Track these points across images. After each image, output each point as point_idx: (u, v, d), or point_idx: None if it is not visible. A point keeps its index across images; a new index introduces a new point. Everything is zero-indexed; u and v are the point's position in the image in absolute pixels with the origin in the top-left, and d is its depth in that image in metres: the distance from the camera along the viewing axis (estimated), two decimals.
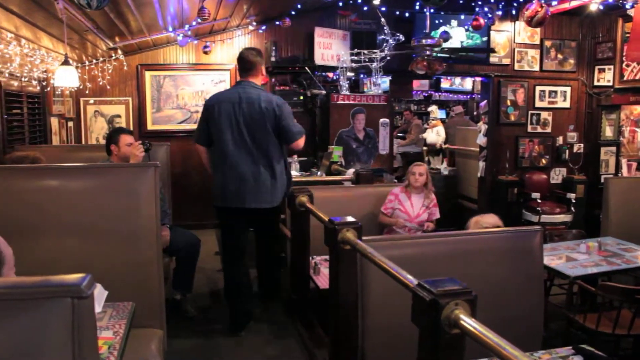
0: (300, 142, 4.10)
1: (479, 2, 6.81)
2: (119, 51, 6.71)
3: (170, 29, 6.23)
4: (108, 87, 6.97)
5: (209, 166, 4.19)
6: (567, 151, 7.82)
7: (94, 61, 6.83)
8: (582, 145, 7.85)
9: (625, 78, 7.28)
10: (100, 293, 2.38)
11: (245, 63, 4.06)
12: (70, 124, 6.67)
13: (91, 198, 2.78)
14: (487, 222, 3.37)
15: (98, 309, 2.34)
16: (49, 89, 5.55)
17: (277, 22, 7.02)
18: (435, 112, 8.53)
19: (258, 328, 4.29)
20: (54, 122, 5.85)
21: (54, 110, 5.84)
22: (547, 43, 7.73)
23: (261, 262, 4.52)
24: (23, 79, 4.84)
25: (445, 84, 13.12)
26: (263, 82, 5.62)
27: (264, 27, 7.27)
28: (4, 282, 1.36)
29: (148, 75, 7.16)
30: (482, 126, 7.68)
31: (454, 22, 7.36)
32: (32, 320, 1.05)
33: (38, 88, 5.30)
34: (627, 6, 6.34)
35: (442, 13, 7.23)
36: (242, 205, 4.00)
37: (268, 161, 4.00)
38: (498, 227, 3.31)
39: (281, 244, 4.90)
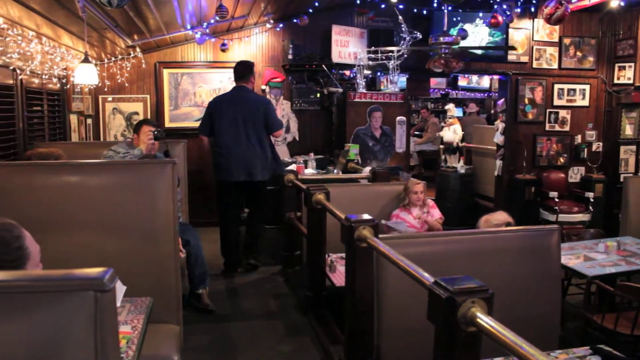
0: (280, 132, 5.50)
1: (498, 0, 6.75)
2: (138, 49, 6.77)
3: (189, 26, 6.28)
4: (126, 85, 7.03)
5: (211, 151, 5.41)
6: (585, 150, 7.73)
7: (113, 59, 6.89)
8: (601, 144, 7.75)
9: None
10: (119, 288, 2.40)
11: (241, 73, 5.31)
12: (89, 121, 6.74)
13: (109, 194, 2.81)
14: (497, 219, 3.34)
15: (117, 303, 2.36)
16: (68, 86, 5.61)
17: (295, 20, 7.03)
18: (453, 110, 8.46)
19: (273, 325, 4.31)
20: (73, 119, 5.92)
21: (74, 107, 5.91)
22: (566, 40, 7.65)
23: (249, 227, 5.62)
24: (44, 77, 4.89)
25: (462, 82, 13.07)
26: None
27: (281, 25, 7.28)
28: (28, 275, 1.39)
29: (166, 72, 7.21)
30: (500, 124, 7.62)
31: (478, 21, 7.32)
32: (55, 313, 1.06)
33: (58, 85, 5.37)
34: None
35: (460, 10, 7.19)
36: (240, 179, 5.18)
37: (260, 146, 5.22)
38: (509, 223, 3.29)
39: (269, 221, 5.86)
